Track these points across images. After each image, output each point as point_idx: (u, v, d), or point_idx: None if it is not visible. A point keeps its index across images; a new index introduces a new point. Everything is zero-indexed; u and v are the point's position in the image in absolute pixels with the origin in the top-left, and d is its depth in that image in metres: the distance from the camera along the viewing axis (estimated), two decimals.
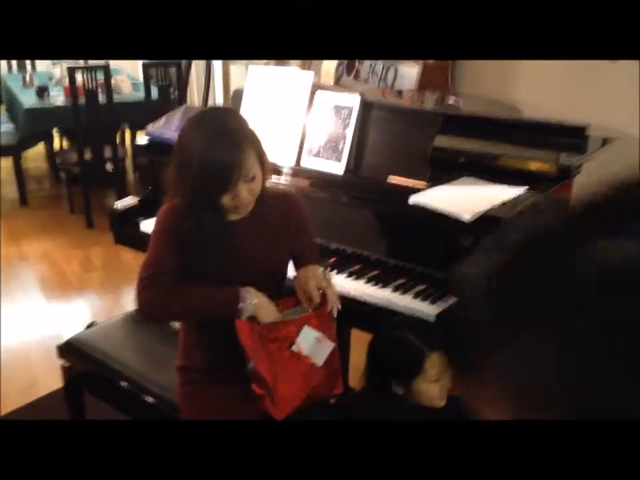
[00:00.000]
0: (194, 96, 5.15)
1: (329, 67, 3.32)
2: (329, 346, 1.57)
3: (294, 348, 1.52)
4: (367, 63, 3.27)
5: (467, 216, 1.61)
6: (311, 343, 1.54)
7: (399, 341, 1.52)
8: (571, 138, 1.91)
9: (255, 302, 1.48)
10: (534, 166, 1.83)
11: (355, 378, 1.74)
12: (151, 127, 2.33)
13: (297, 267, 1.66)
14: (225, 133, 1.45)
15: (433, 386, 1.50)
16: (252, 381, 1.50)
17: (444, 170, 1.87)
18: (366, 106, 1.95)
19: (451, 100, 2.74)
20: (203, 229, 1.51)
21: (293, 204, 1.66)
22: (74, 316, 3.17)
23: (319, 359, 1.56)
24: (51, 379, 2.53)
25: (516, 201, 1.70)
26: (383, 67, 3.20)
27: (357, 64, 3.29)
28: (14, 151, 4.45)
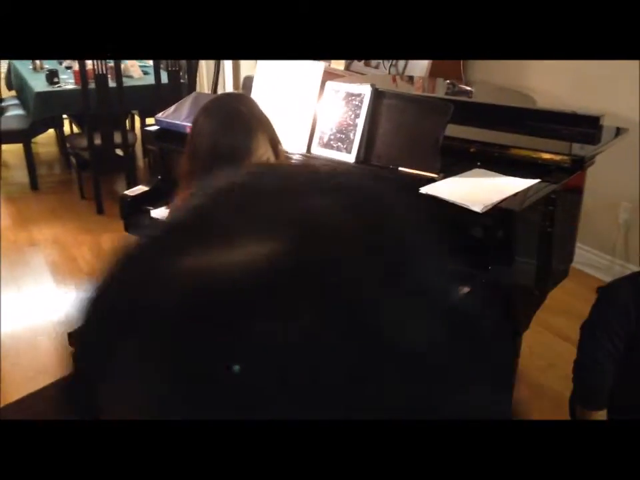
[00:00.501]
0: (204, 81, 5.12)
1: None
2: None
3: None
4: None
5: (478, 207, 1.60)
6: None
7: None
8: (584, 128, 1.88)
9: None
10: (546, 156, 1.81)
11: None
12: (160, 115, 2.32)
13: None
14: (235, 117, 1.42)
15: None
16: None
17: (455, 160, 1.85)
18: (377, 95, 1.93)
19: (463, 87, 2.70)
20: None
21: None
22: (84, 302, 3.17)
23: None
24: (60, 366, 2.54)
25: (527, 192, 1.68)
26: None
27: None
28: (24, 136, 4.45)
